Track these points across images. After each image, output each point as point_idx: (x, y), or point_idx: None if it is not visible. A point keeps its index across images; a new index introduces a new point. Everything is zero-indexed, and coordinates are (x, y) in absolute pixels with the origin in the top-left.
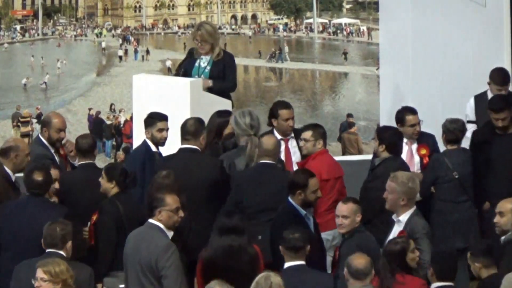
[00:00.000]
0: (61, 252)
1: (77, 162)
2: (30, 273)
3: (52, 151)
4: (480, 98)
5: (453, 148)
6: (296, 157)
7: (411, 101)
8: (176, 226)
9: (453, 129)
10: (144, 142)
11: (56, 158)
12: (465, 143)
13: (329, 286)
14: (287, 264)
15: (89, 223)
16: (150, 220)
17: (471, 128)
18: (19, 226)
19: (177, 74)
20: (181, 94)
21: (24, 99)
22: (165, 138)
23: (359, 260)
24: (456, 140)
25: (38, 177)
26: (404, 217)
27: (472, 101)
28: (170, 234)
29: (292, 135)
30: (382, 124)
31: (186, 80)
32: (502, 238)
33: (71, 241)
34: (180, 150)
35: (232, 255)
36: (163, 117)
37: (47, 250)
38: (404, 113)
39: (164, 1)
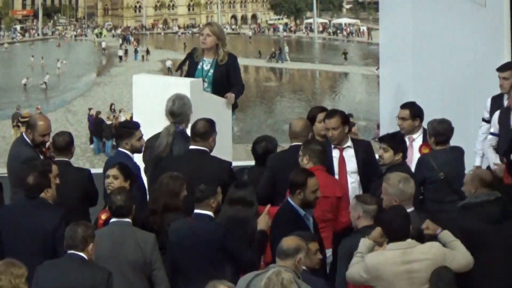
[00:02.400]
0: (82, 254)
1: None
2: (49, 274)
3: (37, 151)
4: (496, 99)
5: (441, 148)
6: (350, 167)
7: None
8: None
9: (444, 130)
10: (123, 153)
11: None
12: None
13: None
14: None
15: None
16: (116, 219)
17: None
18: (18, 229)
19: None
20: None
21: (24, 99)
22: (143, 146)
23: (288, 242)
24: (445, 141)
25: (30, 180)
26: None
27: (496, 115)
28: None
29: (350, 144)
30: (382, 124)
31: (186, 80)
32: None
33: (92, 243)
34: (189, 151)
35: (235, 225)
36: (138, 125)
37: (68, 252)
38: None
39: (164, 1)
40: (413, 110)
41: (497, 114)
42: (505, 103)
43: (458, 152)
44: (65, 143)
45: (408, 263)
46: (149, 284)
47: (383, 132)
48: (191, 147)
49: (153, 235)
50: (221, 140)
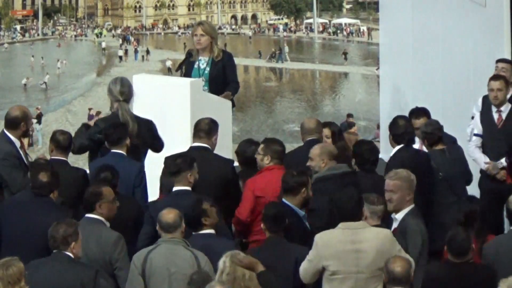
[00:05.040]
0: (67, 253)
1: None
2: (36, 274)
3: (18, 146)
4: (484, 113)
5: (437, 149)
6: None
7: (412, 101)
8: (112, 216)
9: (431, 131)
10: (119, 154)
11: (21, 153)
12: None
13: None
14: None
15: None
16: (89, 215)
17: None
18: (22, 225)
19: (181, 71)
20: (181, 94)
21: (24, 99)
22: None
23: (169, 215)
24: (438, 141)
25: (43, 177)
26: (400, 215)
27: (477, 116)
28: (108, 224)
29: None
30: (382, 124)
31: (186, 80)
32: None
33: (75, 242)
34: (192, 147)
35: None
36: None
37: (54, 251)
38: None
39: (164, 1)
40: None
41: (478, 115)
42: (495, 116)
43: (458, 152)
44: (68, 142)
45: (356, 243)
46: (114, 283)
47: (383, 132)
48: (195, 144)
49: (117, 234)
50: (221, 139)
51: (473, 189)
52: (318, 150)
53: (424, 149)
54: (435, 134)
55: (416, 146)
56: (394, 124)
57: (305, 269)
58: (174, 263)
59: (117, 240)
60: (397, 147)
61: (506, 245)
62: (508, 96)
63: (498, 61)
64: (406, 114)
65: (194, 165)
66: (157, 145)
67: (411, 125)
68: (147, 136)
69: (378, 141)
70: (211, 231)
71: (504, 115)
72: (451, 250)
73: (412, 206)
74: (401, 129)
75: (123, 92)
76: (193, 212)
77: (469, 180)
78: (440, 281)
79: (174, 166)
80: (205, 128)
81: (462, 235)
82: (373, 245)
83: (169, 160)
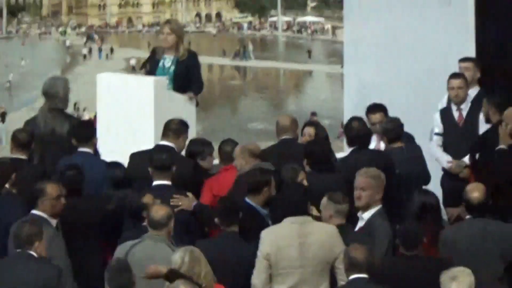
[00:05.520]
0: (31, 252)
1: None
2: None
3: None
4: (444, 111)
5: (396, 146)
6: None
7: (376, 100)
8: (58, 214)
9: (392, 127)
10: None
11: None
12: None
13: None
14: None
15: None
16: (33, 211)
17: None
18: None
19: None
20: (145, 93)
21: None
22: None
23: (158, 212)
24: (397, 138)
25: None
26: (367, 214)
27: (437, 115)
28: (54, 222)
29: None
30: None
31: (150, 79)
32: None
33: (39, 241)
34: (157, 146)
35: None
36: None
37: (17, 250)
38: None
39: None
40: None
41: (437, 114)
42: (455, 114)
43: (416, 151)
44: (27, 140)
45: (301, 237)
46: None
47: None
48: (161, 142)
49: (58, 271)
50: None
51: (435, 189)
52: (239, 149)
53: (382, 145)
54: (395, 131)
55: (373, 143)
56: (347, 127)
57: (255, 266)
58: (155, 260)
59: (53, 235)
60: (351, 149)
61: (464, 233)
62: (472, 94)
63: (460, 61)
64: None
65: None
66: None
67: (365, 127)
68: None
69: (342, 140)
70: None
71: (464, 113)
72: (401, 242)
73: (379, 206)
74: (353, 132)
75: (46, 92)
76: (133, 205)
77: (426, 180)
78: (391, 274)
79: (160, 161)
80: (173, 128)
81: (411, 228)
82: (318, 239)
83: (155, 155)
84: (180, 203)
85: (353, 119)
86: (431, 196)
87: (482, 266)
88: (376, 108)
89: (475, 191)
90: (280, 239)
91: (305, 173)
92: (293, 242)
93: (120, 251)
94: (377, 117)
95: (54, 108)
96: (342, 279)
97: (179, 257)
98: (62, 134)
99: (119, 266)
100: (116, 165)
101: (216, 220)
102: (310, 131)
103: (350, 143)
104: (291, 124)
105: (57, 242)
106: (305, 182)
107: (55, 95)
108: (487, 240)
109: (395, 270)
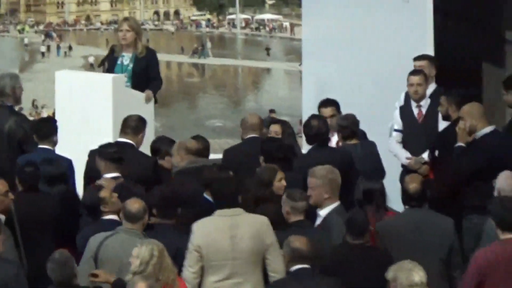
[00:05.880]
0: None
1: None
2: None
3: None
4: (403, 108)
5: (350, 143)
6: None
7: (334, 97)
8: (6, 209)
9: (347, 125)
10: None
11: None
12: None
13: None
14: None
15: None
16: None
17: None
18: None
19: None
20: (104, 90)
21: None
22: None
23: (133, 205)
24: (352, 135)
25: None
26: (324, 211)
27: (397, 112)
28: (2, 217)
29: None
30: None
31: (109, 77)
32: None
33: None
34: (116, 143)
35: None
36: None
37: None
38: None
39: None
40: (338, 107)
41: (397, 111)
42: (415, 111)
43: (370, 147)
44: None
45: (233, 229)
46: None
47: None
48: (120, 139)
49: (18, 268)
50: None
51: (393, 186)
52: (176, 146)
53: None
54: (350, 128)
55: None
56: (307, 125)
57: (186, 258)
58: (128, 253)
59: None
60: (311, 147)
61: (400, 223)
62: (428, 91)
63: (415, 59)
64: None
65: None
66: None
67: (325, 125)
68: None
69: (301, 137)
70: (114, 217)
71: (424, 110)
72: (347, 231)
73: (337, 203)
74: (313, 130)
75: None
76: (91, 200)
77: (381, 176)
78: (336, 264)
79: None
80: (132, 125)
81: (357, 216)
82: (249, 231)
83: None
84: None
85: (313, 117)
86: (375, 182)
87: (419, 258)
88: (327, 102)
89: (412, 182)
90: (211, 232)
91: (283, 173)
92: (224, 234)
93: (93, 242)
94: (328, 111)
95: (1, 105)
96: (271, 270)
97: (148, 249)
98: (4, 131)
99: (61, 258)
100: (49, 161)
101: (153, 211)
102: (276, 128)
103: (309, 141)
104: (259, 122)
105: (6, 238)
106: (283, 182)
107: (2, 92)
108: (423, 233)
109: (340, 259)
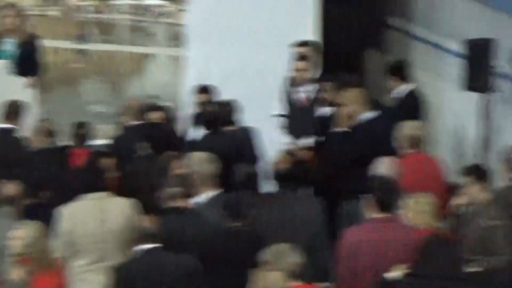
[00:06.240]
0: None
1: None
2: None
3: None
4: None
5: (229, 129)
6: None
7: (217, 83)
8: None
9: (224, 111)
10: None
11: None
12: None
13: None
14: None
15: None
16: None
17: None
18: None
19: None
20: None
21: None
22: None
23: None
24: (229, 122)
25: None
26: (197, 199)
27: (281, 97)
28: None
29: None
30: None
31: None
32: None
33: None
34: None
35: None
36: None
37: None
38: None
39: None
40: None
41: (281, 96)
42: (299, 96)
43: (247, 132)
44: None
45: (103, 212)
46: None
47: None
48: (1, 125)
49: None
50: (26, 121)
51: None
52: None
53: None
54: (226, 114)
55: None
56: (202, 111)
57: (55, 241)
58: (4, 236)
59: None
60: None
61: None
62: (312, 77)
63: (298, 45)
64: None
65: None
66: None
67: (218, 110)
68: None
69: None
70: None
71: (307, 95)
72: (226, 213)
73: (216, 192)
74: (209, 116)
75: None
76: None
77: (257, 161)
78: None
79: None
80: (14, 111)
81: (234, 199)
82: (117, 214)
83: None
84: None
85: (207, 103)
86: (252, 167)
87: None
88: (201, 89)
89: (280, 162)
90: (79, 215)
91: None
92: (93, 218)
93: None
94: (201, 97)
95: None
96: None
97: (28, 232)
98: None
99: None
100: None
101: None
102: (158, 115)
103: (205, 127)
104: (141, 108)
105: None
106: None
107: None
108: (293, 219)
109: (218, 242)
